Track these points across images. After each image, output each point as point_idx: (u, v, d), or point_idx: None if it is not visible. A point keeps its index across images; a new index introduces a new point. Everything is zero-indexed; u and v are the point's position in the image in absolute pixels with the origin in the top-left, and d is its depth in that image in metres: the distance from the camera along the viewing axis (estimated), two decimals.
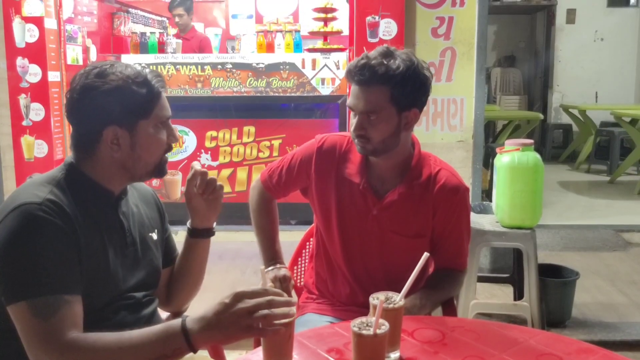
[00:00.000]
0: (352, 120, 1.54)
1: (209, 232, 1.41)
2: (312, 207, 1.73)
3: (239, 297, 1.03)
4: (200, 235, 1.39)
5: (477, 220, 2.62)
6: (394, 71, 1.46)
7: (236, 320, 1.02)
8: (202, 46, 5.25)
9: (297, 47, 4.28)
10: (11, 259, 1.09)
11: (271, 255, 1.74)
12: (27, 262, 1.08)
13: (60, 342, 1.05)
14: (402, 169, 1.62)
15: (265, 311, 1.02)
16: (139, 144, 1.23)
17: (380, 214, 1.61)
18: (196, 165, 1.37)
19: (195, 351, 1.05)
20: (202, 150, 4.19)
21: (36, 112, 3.97)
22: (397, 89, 1.48)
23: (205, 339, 1.04)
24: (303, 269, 1.97)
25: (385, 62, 1.46)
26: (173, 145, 1.31)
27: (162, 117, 1.26)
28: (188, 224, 1.41)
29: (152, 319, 1.36)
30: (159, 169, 1.30)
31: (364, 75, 1.47)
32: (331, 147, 1.68)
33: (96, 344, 1.06)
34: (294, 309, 1.07)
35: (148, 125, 1.23)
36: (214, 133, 4.18)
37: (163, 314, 1.47)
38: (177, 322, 1.06)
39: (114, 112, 1.20)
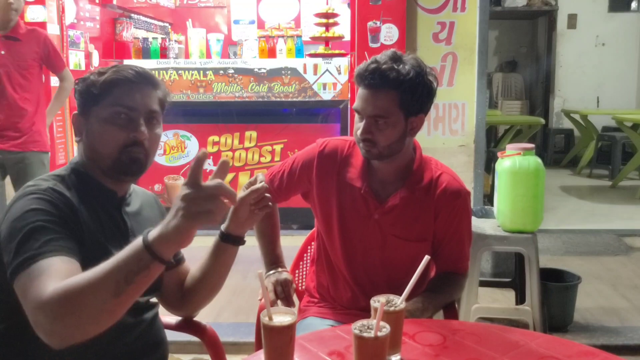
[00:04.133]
0: (358, 124, 1.54)
1: (240, 240, 1.40)
2: (313, 211, 1.73)
3: (187, 184, 0.98)
4: (231, 241, 1.38)
5: (479, 225, 2.62)
6: (404, 76, 1.47)
7: (187, 205, 0.96)
8: (50, 51, 3.28)
9: (299, 52, 4.29)
10: (15, 236, 1.09)
11: (272, 259, 1.74)
12: (28, 237, 1.08)
13: (43, 298, 1.01)
14: (403, 173, 1.62)
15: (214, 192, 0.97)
16: (90, 130, 1.26)
17: (381, 218, 1.61)
18: (261, 177, 1.35)
19: (161, 260, 0.99)
20: None
21: None
22: (406, 94, 1.48)
23: (164, 240, 0.99)
24: (304, 273, 1.97)
25: (395, 67, 1.47)
26: (139, 139, 1.25)
27: (117, 105, 1.23)
28: (222, 227, 1.39)
29: (154, 321, 1.36)
30: (119, 165, 1.25)
31: (375, 79, 1.48)
32: (332, 151, 1.68)
33: (67, 283, 1.01)
34: (295, 311, 1.07)
35: (99, 112, 1.25)
36: (216, 138, 4.19)
37: (164, 318, 1.47)
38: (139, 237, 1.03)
39: (77, 99, 1.28)
